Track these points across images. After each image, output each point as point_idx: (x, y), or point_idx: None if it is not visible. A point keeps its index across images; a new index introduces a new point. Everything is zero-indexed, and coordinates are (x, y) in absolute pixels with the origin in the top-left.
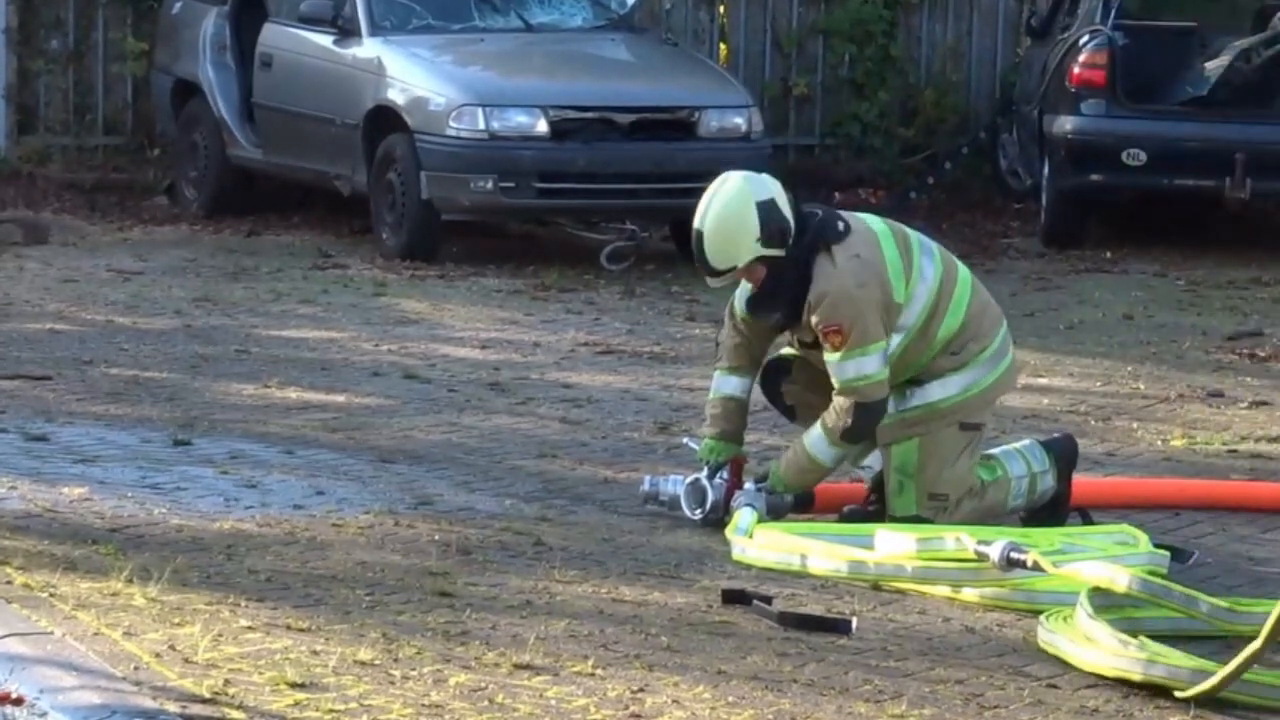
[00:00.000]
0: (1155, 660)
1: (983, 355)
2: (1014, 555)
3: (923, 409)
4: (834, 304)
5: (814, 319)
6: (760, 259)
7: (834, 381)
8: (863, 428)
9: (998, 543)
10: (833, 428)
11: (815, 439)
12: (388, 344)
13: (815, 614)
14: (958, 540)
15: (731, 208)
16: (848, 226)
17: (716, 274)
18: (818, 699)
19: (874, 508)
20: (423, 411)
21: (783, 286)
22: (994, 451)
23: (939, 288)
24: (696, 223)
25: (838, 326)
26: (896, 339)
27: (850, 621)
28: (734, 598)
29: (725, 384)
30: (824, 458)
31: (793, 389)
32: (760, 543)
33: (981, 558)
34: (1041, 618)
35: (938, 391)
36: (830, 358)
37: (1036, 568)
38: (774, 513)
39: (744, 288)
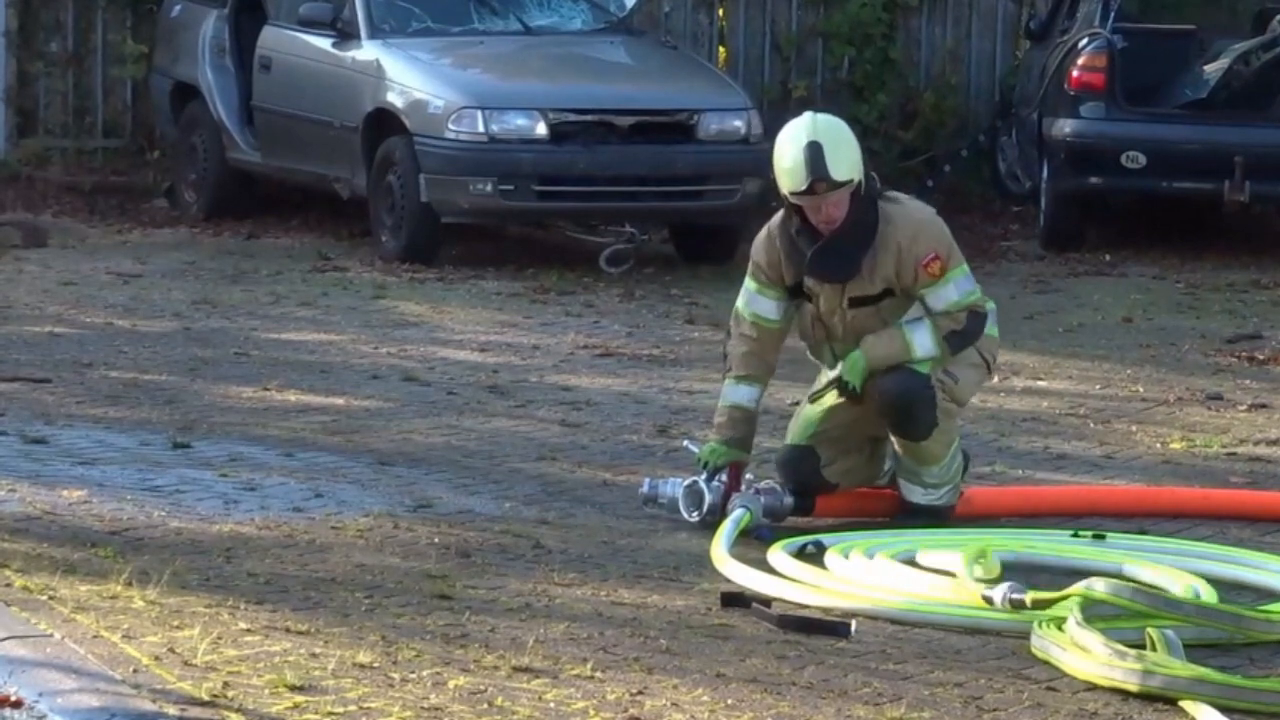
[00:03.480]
0: (1153, 671)
1: (989, 304)
2: (1015, 597)
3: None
4: (930, 234)
5: (916, 254)
6: (856, 185)
7: (940, 309)
8: (970, 334)
9: (1000, 587)
10: (943, 326)
11: (921, 330)
12: (387, 346)
13: (814, 617)
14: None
15: (836, 121)
16: None
17: (833, 185)
18: (817, 702)
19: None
20: (422, 414)
21: (861, 227)
22: None
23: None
24: (807, 136)
25: (936, 254)
26: None
27: (849, 624)
28: (733, 601)
29: (733, 393)
30: (920, 349)
31: (831, 466)
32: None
33: (988, 602)
34: (1034, 624)
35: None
36: (933, 288)
37: (1038, 605)
38: (770, 515)
39: (748, 292)
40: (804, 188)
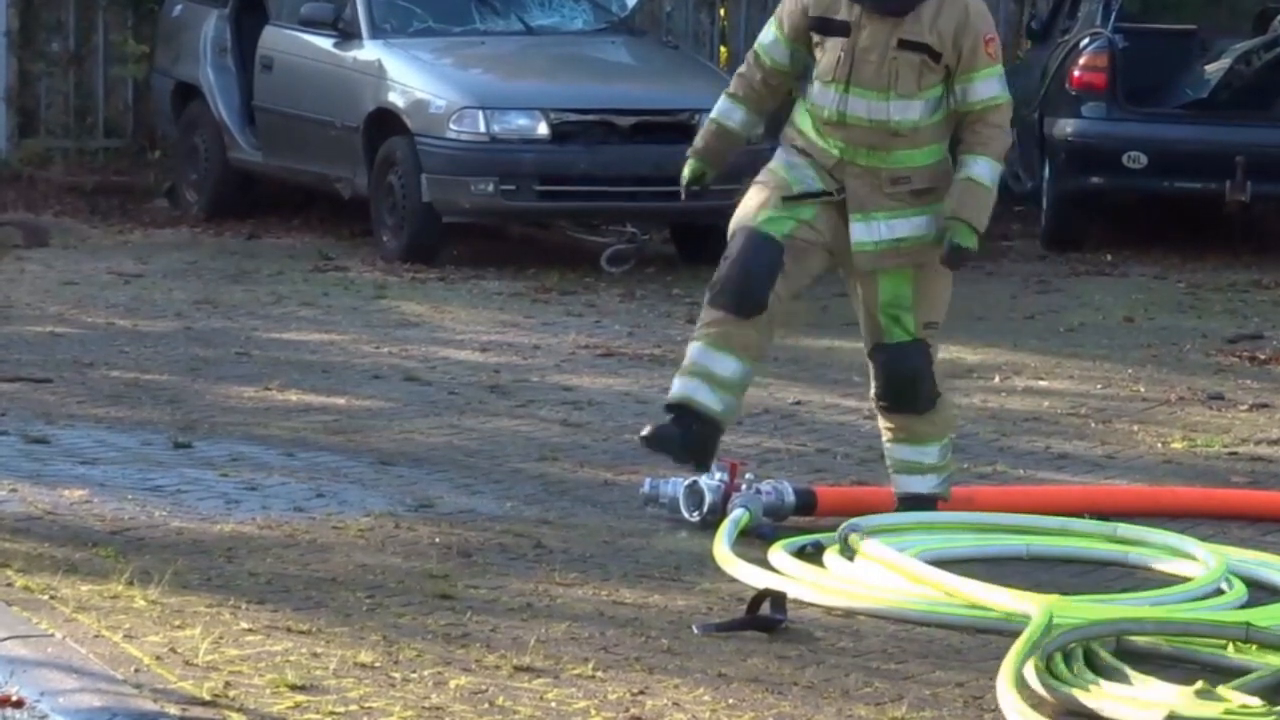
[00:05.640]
0: None
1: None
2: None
3: (914, 240)
4: (989, 18)
5: (981, 28)
6: None
7: (983, 102)
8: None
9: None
10: (1001, 150)
11: (987, 168)
12: (388, 346)
13: (744, 616)
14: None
15: None
16: None
17: None
18: (818, 701)
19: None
20: (423, 414)
21: None
22: None
23: None
24: None
25: (994, 37)
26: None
27: (781, 616)
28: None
29: (719, 106)
30: (994, 183)
31: (780, 283)
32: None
33: None
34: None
35: (933, 225)
36: (984, 75)
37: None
38: (771, 514)
39: (766, 32)
40: None
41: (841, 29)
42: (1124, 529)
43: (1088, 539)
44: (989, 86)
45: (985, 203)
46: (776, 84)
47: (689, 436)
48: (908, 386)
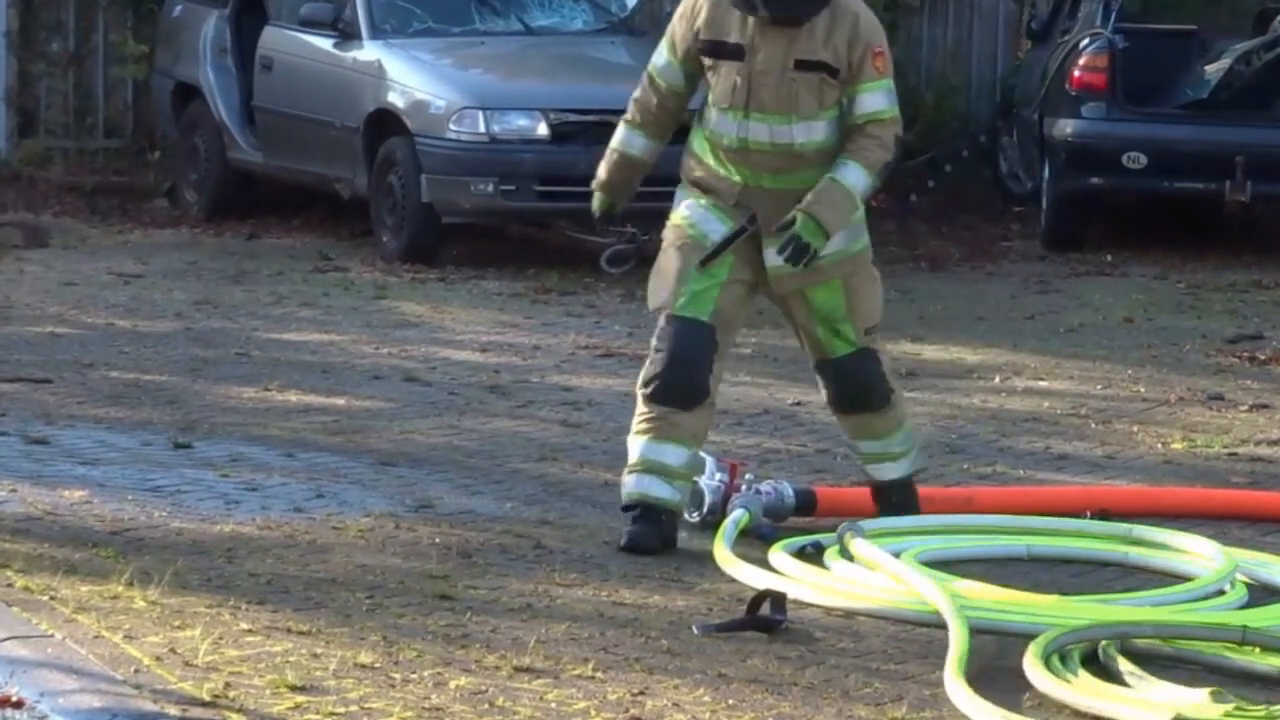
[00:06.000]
0: None
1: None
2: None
3: (831, 256)
4: (878, 30)
5: (870, 40)
6: None
7: (867, 115)
8: (891, 161)
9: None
10: (875, 161)
11: (856, 175)
12: (388, 347)
13: (744, 617)
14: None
15: None
16: None
17: None
18: (818, 702)
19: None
20: (423, 414)
21: None
22: None
23: None
24: None
25: (883, 50)
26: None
27: (781, 617)
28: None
29: (621, 135)
30: (861, 192)
31: (715, 363)
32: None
33: None
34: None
35: (852, 238)
36: (871, 88)
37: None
38: (771, 515)
39: (659, 56)
40: None
41: (735, 52)
42: (1139, 530)
43: (1096, 539)
44: (875, 100)
45: (842, 205)
46: (674, 107)
47: (663, 528)
48: (861, 393)
